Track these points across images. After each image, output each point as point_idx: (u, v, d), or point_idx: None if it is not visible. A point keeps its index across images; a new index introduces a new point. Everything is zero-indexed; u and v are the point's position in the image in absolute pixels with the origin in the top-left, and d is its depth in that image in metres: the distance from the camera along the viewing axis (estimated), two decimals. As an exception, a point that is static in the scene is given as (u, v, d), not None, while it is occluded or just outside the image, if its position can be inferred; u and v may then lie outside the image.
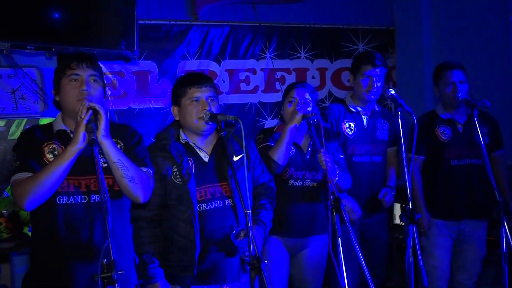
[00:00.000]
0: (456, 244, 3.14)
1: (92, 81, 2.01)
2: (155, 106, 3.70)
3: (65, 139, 2.00)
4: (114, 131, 2.00)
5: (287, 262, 2.80)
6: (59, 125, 2.05)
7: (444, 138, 3.11)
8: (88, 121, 1.85)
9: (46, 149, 1.99)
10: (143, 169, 2.05)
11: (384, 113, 3.17)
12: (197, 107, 2.24)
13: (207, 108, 2.22)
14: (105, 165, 1.97)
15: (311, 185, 2.75)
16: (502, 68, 3.72)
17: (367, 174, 3.05)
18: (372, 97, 3.03)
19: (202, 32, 3.91)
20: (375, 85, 3.00)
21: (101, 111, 1.88)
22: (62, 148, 1.99)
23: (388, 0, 4.61)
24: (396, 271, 3.66)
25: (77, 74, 1.99)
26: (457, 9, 4.18)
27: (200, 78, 2.32)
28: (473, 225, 3.11)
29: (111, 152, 1.91)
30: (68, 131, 2.03)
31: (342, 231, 2.16)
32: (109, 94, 3.55)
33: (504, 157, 3.23)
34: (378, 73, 3.01)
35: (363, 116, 3.09)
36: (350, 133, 3.05)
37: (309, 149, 2.77)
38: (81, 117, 1.85)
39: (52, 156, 1.97)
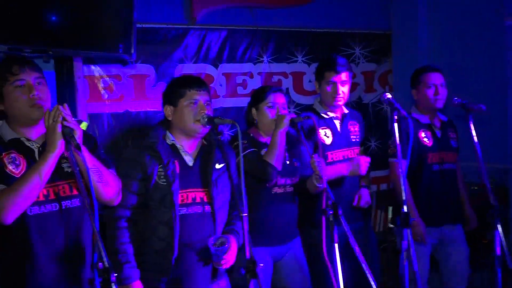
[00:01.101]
0: (439, 249, 3.17)
1: (38, 84, 1.94)
2: (152, 110, 3.71)
3: (20, 147, 1.93)
4: None
5: (271, 272, 2.80)
6: (10, 134, 1.95)
7: (426, 142, 3.12)
8: (63, 127, 1.81)
9: (5, 159, 1.89)
10: (110, 170, 2.05)
11: (353, 115, 3.19)
12: (195, 110, 2.26)
13: (205, 111, 2.25)
14: (69, 169, 1.95)
15: (290, 190, 2.79)
16: (497, 73, 3.75)
17: (347, 178, 3.05)
18: (339, 102, 3.02)
19: (199, 36, 3.93)
20: (340, 91, 2.99)
21: (74, 127, 1.83)
22: (21, 157, 1.91)
23: (385, 4, 4.63)
24: (391, 275, 3.68)
25: (22, 80, 1.91)
26: (453, 14, 4.21)
27: (200, 82, 2.36)
28: (451, 228, 3.15)
29: (87, 157, 1.87)
30: (22, 139, 1.95)
31: (330, 237, 2.18)
32: (106, 97, 3.56)
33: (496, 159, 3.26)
34: (342, 78, 2.99)
35: (335, 121, 3.09)
36: (326, 141, 3.04)
37: (286, 154, 2.79)
38: (53, 122, 1.81)
39: (14, 167, 1.89)
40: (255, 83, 4.12)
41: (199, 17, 3.90)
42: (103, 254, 1.64)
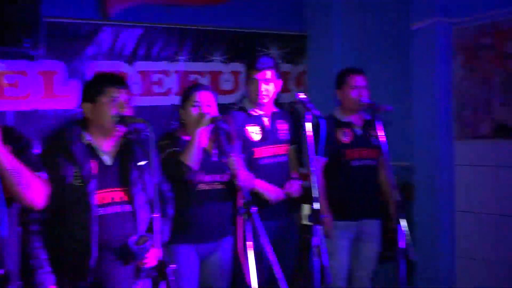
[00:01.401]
0: (354, 243, 3.27)
1: None
2: (62, 109, 3.57)
3: None
4: None
5: (198, 270, 2.79)
6: None
7: (344, 140, 3.24)
8: None
9: None
10: (37, 173, 1.96)
11: (283, 114, 3.24)
12: (114, 108, 2.21)
13: (124, 110, 2.22)
14: None
15: (220, 187, 2.78)
16: (404, 75, 3.94)
17: (276, 175, 3.10)
18: (265, 100, 3.07)
19: (113, 32, 3.83)
20: (263, 89, 3.04)
21: None
22: None
23: (301, 6, 4.73)
24: (304, 271, 3.76)
25: None
26: (365, 17, 4.38)
27: (121, 79, 2.32)
28: (369, 224, 3.27)
29: (5, 159, 1.80)
30: None
31: (252, 234, 2.19)
32: (10, 94, 3.37)
33: (402, 158, 3.43)
34: (265, 76, 3.04)
35: (264, 119, 3.13)
36: (254, 138, 3.07)
37: (215, 152, 2.79)
38: None
39: None
40: (171, 82, 4.07)
41: (113, 13, 3.80)
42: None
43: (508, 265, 3.44)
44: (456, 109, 3.71)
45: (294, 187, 3.12)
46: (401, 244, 2.67)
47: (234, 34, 4.38)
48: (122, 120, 2.19)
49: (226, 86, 4.30)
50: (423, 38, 3.75)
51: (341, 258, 3.21)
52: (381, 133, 2.87)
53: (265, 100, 3.07)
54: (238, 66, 4.37)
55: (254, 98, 3.08)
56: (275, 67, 3.11)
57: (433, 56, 3.71)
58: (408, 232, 2.68)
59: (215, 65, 4.29)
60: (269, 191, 3.02)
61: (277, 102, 3.26)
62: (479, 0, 3.56)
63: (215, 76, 4.29)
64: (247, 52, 4.40)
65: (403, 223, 2.67)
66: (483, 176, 3.58)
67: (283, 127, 3.19)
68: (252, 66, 3.06)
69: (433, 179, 3.73)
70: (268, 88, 3.05)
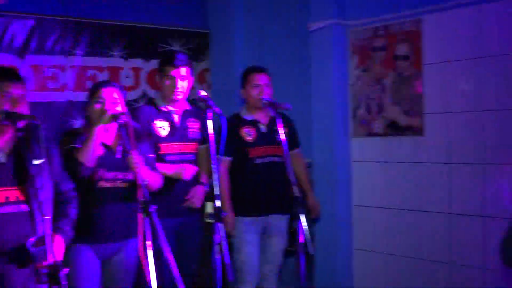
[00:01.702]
0: (262, 238, 3.33)
1: None
2: None
3: None
4: None
5: (99, 271, 2.69)
6: None
7: (248, 138, 3.28)
8: None
9: None
10: None
11: (195, 112, 3.23)
12: (6, 103, 2.09)
13: (17, 105, 2.10)
14: None
15: (123, 185, 2.69)
16: (303, 74, 4.05)
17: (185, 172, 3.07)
18: (179, 97, 3.10)
19: (2, 24, 3.58)
20: (179, 85, 3.07)
21: None
22: None
23: (204, 3, 4.71)
24: (207, 269, 3.76)
25: None
26: (266, 17, 4.44)
27: (15, 74, 2.22)
28: (276, 219, 3.33)
29: None
30: None
31: (152, 233, 2.15)
32: None
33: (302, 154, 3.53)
34: (181, 73, 3.08)
35: (174, 116, 3.13)
36: (162, 133, 3.07)
37: (119, 149, 2.70)
38: None
39: None
40: (67, 77, 3.88)
41: (2, 2, 3.54)
42: None
43: (401, 256, 3.66)
44: (352, 108, 3.88)
45: (196, 194, 3.11)
46: (301, 239, 2.74)
47: (135, 29, 4.26)
48: (8, 116, 2.06)
49: (126, 82, 4.17)
50: (320, 39, 3.87)
51: (249, 252, 3.24)
52: (281, 131, 2.92)
53: (180, 97, 3.09)
54: (139, 62, 4.27)
55: (168, 94, 3.09)
56: (190, 64, 3.16)
57: (330, 57, 3.85)
58: (307, 227, 2.75)
59: (114, 61, 4.15)
60: (180, 171, 3.02)
61: (190, 99, 3.26)
62: (373, 4, 3.75)
63: (114, 72, 4.15)
64: (148, 48, 4.31)
65: (303, 218, 2.74)
66: (377, 171, 3.78)
67: (194, 125, 3.19)
68: (169, 63, 3.08)
69: (331, 175, 3.88)
70: (184, 85, 3.09)
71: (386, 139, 3.71)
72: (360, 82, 3.83)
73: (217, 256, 2.47)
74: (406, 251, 3.62)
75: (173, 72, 3.07)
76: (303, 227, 2.72)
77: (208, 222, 3.70)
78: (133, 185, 2.67)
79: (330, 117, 3.87)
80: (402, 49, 3.60)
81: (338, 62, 3.86)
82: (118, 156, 2.69)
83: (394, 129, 3.66)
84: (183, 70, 3.09)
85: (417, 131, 3.53)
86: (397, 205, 3.67)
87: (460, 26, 3.33)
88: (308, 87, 3.99)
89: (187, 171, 3.05)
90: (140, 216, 2.17)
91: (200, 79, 4.66)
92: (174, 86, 3.06)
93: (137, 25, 4.28)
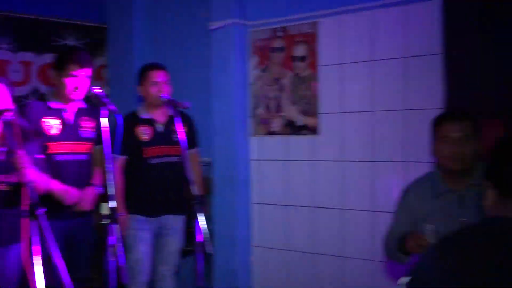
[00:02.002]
0: (158, 238, 3.28)
1: None
2: None
3: None
4: None
5: None
6: None
7: (144, 137, 3.21)
8: None
9: None
10: None
11: (90, 111, 3.10)
12: None
13: None
14: None
15: (4, 188, 2.53)
16: (204, 73, 4.03)
17: (72, 173, 2.95)
18: (78, 96, 2.97)
19: None
20: (80, 85, 2.94)
21: None
22: None
23: (102, -3, 4.55)
24: (101, 271, 3.64)
25: None
26: (168, 14, 4.37)
27: None
28: (172, 219, 3.30)
29: None
30: None
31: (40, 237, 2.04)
32: None
33: (200, 154, 3.52)
34: (84, 73, 2.95)
35: (66, 113, 2.99)
36: (51, 131, 2.92)
37: (3, 149, 2.53)
38: None
39: None
40: None
41: None
42: None
43: (298, 251, 3.77)
44: (251, 107, 3.93)
45: (86, 197, 3.00)
46: (199, 238, 2.73)
47: (25, 21, 4.01)
48: None
49: (15, 77, 3.93)
50: (220, 38, 3.88)
51: (141, 250, 3.18)
52: (180, 130, 2.89)
53: (79, 97, 2.96)
54: (29, 56, 4.03)
55: (66, 93, 2.92)
56: (91, 63, 3.03)
57: (230, 56, 3.87)
58: (206, 226, 2.75)
59: (2, 54, 3.89)
60: (65, 193, 2.87)
61: (87, 98, 3.12)
62: (272, 5, 3.82)
63: (2, 65, 3.89)
64: (40, 41, 4.08)
65: (201, 217, 2.73)
66: (275, 169, 3.85)
67: (88, 124, 3.05)
68: (72, 61, 2.91)
69: (231, 174, 3.90)
70: (85, 86, 2.95)
71: (284, 138, 3.80)
72: (260, 81, 3.88)
73: (111, 259, 2.39)
74: (303, 246, 3.73)
75: (76, 71, 2.90)
76: (201, 226, 2.71)
77: (103, 224, 3.60)
78: (17, 188, 2.53)
79: (230, 116, 3.89)
80: (299, 50, 3.70)
81: (238, 62, 3.89)
82: (1, 157, 2.52)
83: (291, 128, 3.75)
84: (87, 70, 2.95)
85: (313, 130, 3.65)
86: (295, 202, 3.77)
87: (353, 30, 3.49)
88: (208, 85, 3.98)
89: (69, 196, 2.89)
90: (25, 221, 2.04)
91: (96, 76, 4.48)
92: (75, 86, 2.91)
93: (28, 16, 4.04)
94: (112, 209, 2.43)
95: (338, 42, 3.54)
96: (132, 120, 3.19)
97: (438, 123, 2.26)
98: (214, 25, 3.90)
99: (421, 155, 3.15)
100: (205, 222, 2.75)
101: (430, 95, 3.15)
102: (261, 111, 3.88)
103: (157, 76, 3.22)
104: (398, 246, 2.30)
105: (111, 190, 2.45)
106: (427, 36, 3.15)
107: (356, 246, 3.50)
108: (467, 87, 2.52)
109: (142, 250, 3.19)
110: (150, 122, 3.24)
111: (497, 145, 1.37)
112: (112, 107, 2.57)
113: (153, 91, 3.19)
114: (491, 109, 2.37)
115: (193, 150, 3.38)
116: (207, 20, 3.96)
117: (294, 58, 3.73)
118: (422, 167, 2.98)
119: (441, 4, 2.99)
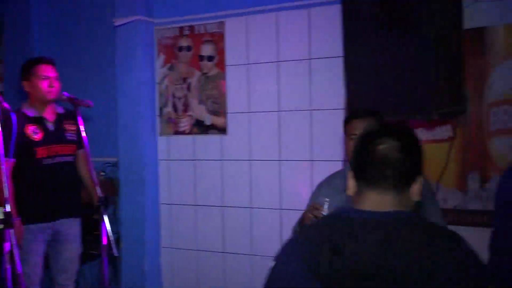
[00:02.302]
0: (52, 245, 3.11)
1: None
2: None
3: None
4: None
5: None
6: None
7: (34, 137, 3.02)
8: None
9: None
10: None
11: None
12: None
13: None
14: None
15: None
16: (110, 71, 3.91)
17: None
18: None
19: None
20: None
21: None
22: None
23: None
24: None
25: None
26: (68, 8, 4.19)
27: None
28: (67, 223, 3.13)
29: None
30: None
31: None
32: None
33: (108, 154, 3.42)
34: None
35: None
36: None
37: None
38: None
39: None
40: None
41: None
42: None
43: (206, 251, 3.76)
44: (159, 106, 3.86)
45: None
46: (104, 241, 2.64)
47: None
48: None
49: None
50: (125, 35, 3.78)
51: (34, 262, 2.99)
52: (81, 128, 2.79)
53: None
54: None
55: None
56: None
57: (135, 53, 3.77)
58: (110, 229, 2.67)
59: None
60: None
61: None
62: (179, 3, 3.77)
63: None
64: None
65: (106, 219, 2.64)
66: (184, 169, 3.82)
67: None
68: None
69: (138, 174, 3.81)
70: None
71: (193, 137, 3.77)
72: (167, 80, 3.83)
73: (8, 266, 2.25)
74: (213, 246, 3.73)
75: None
76: (106, 228, 2.63)
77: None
78: None
79: (136, 115, 3.80)
80: (207, 49, 3.69)
81: (144, 59, 3.81)
82: None
83: (200, 128, 3.73)
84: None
85: (221, 130, 3.66)
86: (204, 202, 3.76)
87: (260, 31, 3.53)
88: (113, 83, 3.86)
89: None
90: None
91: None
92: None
93: None
94: (7, 213, 2.29)
95: (245, 43, 3.58)
96: (22, 118, 2.98)
97: (346, 121, 2.35)
98: (119, 21, 3.79)
99: (327, 154, 3.26)
100: (109, 225, 2.67)
101: (333, 95, 3.27)
102: (168, 110, 3.83)
103: (47, 70, 3.05)
104: (299, 221, 2.32)
105: (6, 193, 2.30)
106: (329, 38, 3.27)
107: (266, 245, 3.55)
108: (366, 87, 2.64)
109: (33, 262, 2.98)
110: (39, 121, 3.06)
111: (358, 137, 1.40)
112: (6, 105, 2.42)
113: (43, 86, 3.02)
114: (389, 108, 2.49)
115: (82, 150, 3.17)
116: (111, 17, 3.84)
117: (201, 58, 3.71)
118: (328, 165, 3.08)
119: (341, 8, 3.10)
